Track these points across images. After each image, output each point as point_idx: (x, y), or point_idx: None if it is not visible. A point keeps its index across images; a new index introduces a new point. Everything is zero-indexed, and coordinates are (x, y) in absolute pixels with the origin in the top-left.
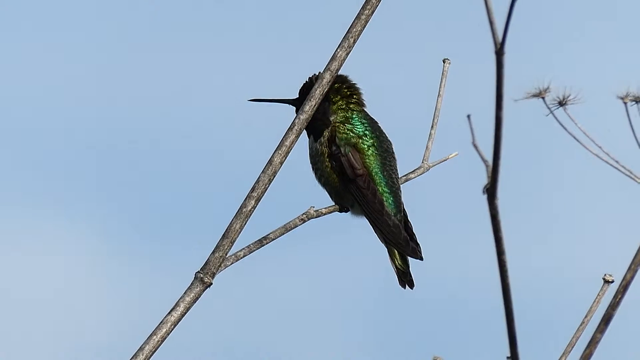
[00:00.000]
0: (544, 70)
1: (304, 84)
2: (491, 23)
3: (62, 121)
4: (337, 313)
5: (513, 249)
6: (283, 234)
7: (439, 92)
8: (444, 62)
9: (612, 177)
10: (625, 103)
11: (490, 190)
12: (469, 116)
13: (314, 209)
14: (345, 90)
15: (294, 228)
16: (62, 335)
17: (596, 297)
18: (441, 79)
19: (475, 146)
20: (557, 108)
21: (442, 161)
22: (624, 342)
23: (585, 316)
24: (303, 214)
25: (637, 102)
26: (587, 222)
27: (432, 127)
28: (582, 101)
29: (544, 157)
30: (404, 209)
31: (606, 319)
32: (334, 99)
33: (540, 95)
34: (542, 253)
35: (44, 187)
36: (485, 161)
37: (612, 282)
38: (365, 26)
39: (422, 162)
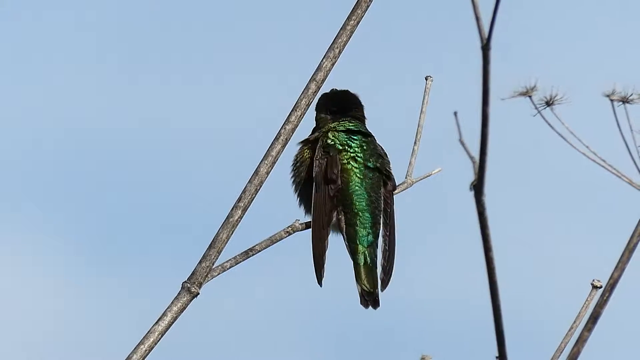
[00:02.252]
0: (531, 67)
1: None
2: (477, 18)
3: (48, 134)
4: (323, 325)
5: (499, 249)
6: (269, 245)
7: (421, 109)
8: (426, 79)
9: (599, 176)
10: (611, 101)
11: (477, 187)
12: (455, 113)
13: (299, 222)
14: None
15: (279, 240)
16: (48, 346)
17: (584, 302)
18: (424, 96)
19: (461, 143)
20: (545, 108)
21: (426, 177)
22: (612, 343)
23: (574, 321)
24: (289, 226)
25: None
26: (574, 221)
27: (415, 143)
28: (569, 101)
29: (531, 156)
30: (391, 227)
31: (594, 318)
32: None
33: (527, 94)
34: (528, 254)
35: (30, 201)
36: (471, 158)
37: (601, 287)
38: (350, 37)
39: (406, 178)
